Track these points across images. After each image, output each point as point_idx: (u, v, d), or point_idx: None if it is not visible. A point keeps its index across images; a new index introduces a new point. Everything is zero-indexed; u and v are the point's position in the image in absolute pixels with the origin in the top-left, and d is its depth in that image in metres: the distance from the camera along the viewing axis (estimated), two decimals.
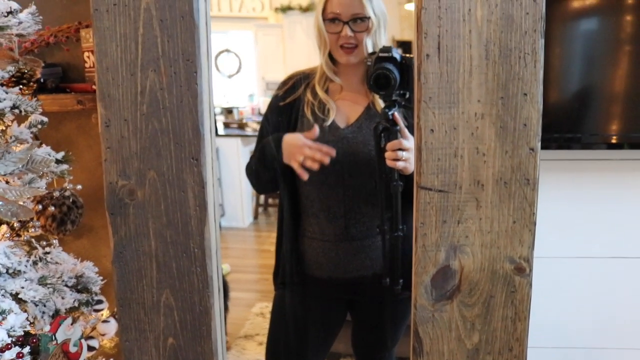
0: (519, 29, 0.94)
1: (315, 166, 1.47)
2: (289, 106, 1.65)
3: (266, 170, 1.65)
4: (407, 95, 1.49)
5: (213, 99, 1.07)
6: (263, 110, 5.86)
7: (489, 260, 1.02)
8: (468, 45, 0.95)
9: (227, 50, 6.50)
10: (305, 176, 1.49)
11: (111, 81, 1.03)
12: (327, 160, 1.47)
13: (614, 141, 1.69)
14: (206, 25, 1.03)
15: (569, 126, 1.66)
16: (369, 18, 1.53)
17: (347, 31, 1.52)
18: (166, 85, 1.02)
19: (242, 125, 5.60)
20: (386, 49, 1.47)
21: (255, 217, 5.64)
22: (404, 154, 1.44)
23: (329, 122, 1.59)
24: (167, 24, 1.01)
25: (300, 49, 5.87)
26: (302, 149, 1.49)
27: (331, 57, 1.62)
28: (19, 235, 1.43)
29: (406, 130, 1.46)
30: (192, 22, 1.00)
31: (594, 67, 1.70)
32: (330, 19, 1.53)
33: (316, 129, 1.49)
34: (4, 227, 1.39)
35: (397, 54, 1.46)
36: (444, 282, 1.03)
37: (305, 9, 5.87)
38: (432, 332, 1.05)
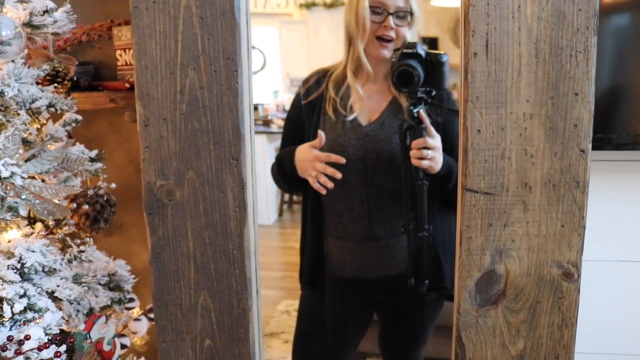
0: (571, 26, 0.91)
1: (329, 184, 1.48)
2: (311, 104, 1.64)
3: (286, 182, 1.68)
4: (433, 93, 1.47)
5: (253, 99, 1.05)
6: (287, 106, 5.86)
7: (536, 265, 0.99)
8: (517, 43, 0.92)
9: (252, 47, 6.49)
10: (322, 191, 1.50)
11: (150, 80, 1.02)
12: (339, 176, 1.47)
13: None
14: (247, 23, 1.01)
15: (600, 126, 1.61)
16: (412, 14, 1.51)
17: (390, 22, 1.50)
18: (206, 84, 1.01)
19: (267, 122, 5.59)
20: (411, 45, 1.44)
21: (280, 214, 5.64)
22: (430, 152, 1.42)
23: (350, 118, 1.57)
24: (207, 21, 0.99)
25: (325, 45, 5.85)
26: (313, 164, 1.49)
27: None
28: (52, 233, 1.44)
29: (432, 128, 1.43)
30: (233, 20, 0.98)
31: (625, 64, 1.65)
32: (374, 7, 1.51)
33: (322, 138, 1.48)
34: (39, 225, 1.39)
35: (422, 50, 1.44)
36: (489, 287, 1.00)
37: (330, 5, 5.84)
38: (476, 338, 1.02)
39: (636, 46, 1.64)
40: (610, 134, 1.63)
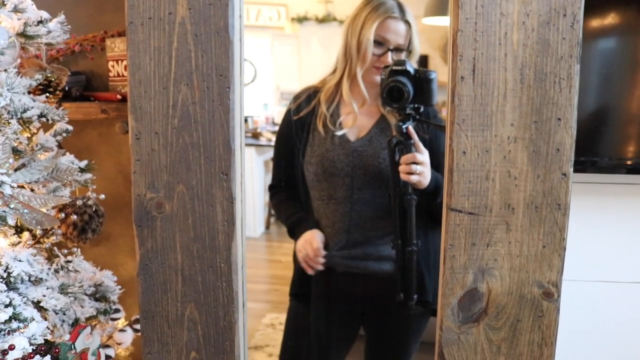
0: (555, 54, 0.94)
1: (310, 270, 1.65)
2: (301, 120, 1.68)
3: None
4: (422, 109, 1.50)
5: (244, 115, 1.07)
6: (277, 119, 5.89)
7: (517, 284, 1.01)
8: (503, 69, 0.95)
9: (244, 60, 6.50)
10: (311, 271, 1.65)
11: (143, 94, 1.03)
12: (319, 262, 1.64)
13: (630, 164, 1.67)
14: (240, 41, 1.03)
15: (585, 149, 1.64)
16: (410, 51, 1.56)
17: (389, 58, 1.55)
18: (198, 99, 1.02)
19: (256, 135, 5.60)
20: (400, 62, 1.48)
21: (267, 227, 5.63)
22: (418, 167, 1.45)
23: (339, 133, 1.61)
24: (201, 38, 1.01)
25: (316, 59, 5.89)
26: (308, 254, 1.63)
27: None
28: (39, 243, 1.44)
29: (420, 144, 1.47)
30: (227, 38, 1.00)
31: (611, 87, 1.68)
32: (376, 40, 1.55)
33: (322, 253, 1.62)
34: (27, 234, 1.39)
35: (411, 67, 1.47)
36: (471, 305, 1.02)
37: (322, 20, 5.89)
38: (458, 355, 1.04)
39: (621, 70, 1.67)
40: (594, 157, 1.66)
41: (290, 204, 1.74)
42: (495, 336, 1.03)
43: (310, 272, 1.64)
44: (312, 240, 1.61)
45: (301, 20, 5.99)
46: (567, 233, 0.99)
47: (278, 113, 6.00)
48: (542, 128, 0.96)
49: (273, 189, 1.80)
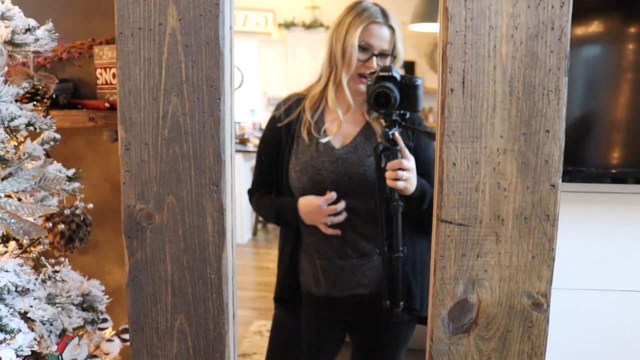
0: (543, 67, 0.95)
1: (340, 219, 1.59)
2: (286, 127, 1.68)
3: (284, 226, 1.76)
4: (408, 115, 1.51)
5: (234, 126, 1.07)
6: (264, 125, 5.87)
7: (507, 295, 1.02)
8: (492, 81, 0.96)
9: None
10: (333, 232, 1.60)
11: (133, 105, 1.03)
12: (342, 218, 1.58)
13: (615, 173, 1.68)
14: (230, 52, 1.03)
15: (571, 158, 1.65)
16: (394, 56, 1.57)
17: (373, 63, 1.55)
18: (189, 110, 1.02)
19: (243, 141, 5.59)
20: (386, 69, 1.49)
21: (254, 233, 5.62)
22: (405, 173, 1.45)
23: (324, 141, 1.61)
24: (192, 49, 1.01)
25: (303, 65, 5.89)
26: (323, 212, 1.58)
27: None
28: (26, 252, 1.42)
29: (406, 150, 1.47)
30: (218, 49, 1.00)
31: (596, 95, 1.70)
32: (361, 45, 1.55)
33: (332, 195, 1.57)
34: (13, 243, 1.38)
35: (397, 73, 1.48)
36: (462, 316, 1.02)
37: (309, 26, 5.90)
38: None
39: (606, 77, 1.69)
40: (580, 166, 1.68)
41: (271, 196, 1.73)
42: (485, 347, 1.03)
43: (338, 221, 1.59)
44: (314, 200, 1.60)
45: (288, 26, 5.99)
46: (556, 244, 0.99)
47: (265, 119, 5.97)
48: (531, 140, 0.97)
49: (252, 192, 1.80)
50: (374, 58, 1.56)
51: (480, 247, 1.00)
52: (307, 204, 1.60)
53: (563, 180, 1.64)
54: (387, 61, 1.59)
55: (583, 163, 1.67)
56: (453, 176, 0.98)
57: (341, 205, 1.56)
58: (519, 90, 0.96)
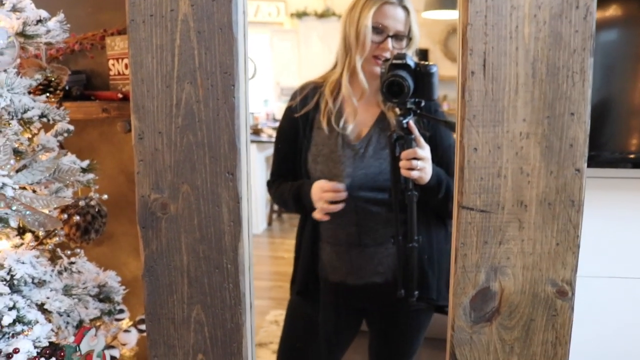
0: (568, 47, 0.92)
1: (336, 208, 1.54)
2: (303, 117, 1.65)
3: (301, 212, 1.72)
4: (422, 104, 1.48)
5: (249, 113, 1.05)
6: (278, 116, 5.87)
7: (530, 283, 0.99)
8: (514, 63, 0.93)
9: None
10: (322, 217, 1.56)
11: (146, 93, 1.01)
12: (344, 195, 1.53)
13: (633, 158, 1.64)
14: (244, 37, 1.01)
15: (589, 143, 1.61)
16: (410, 38, 1.54)
17: (389, 44, 1.52)
18: (202, 98, 1.00)
19: (257, 131, 5.58)
20: (400, 56, 1.45)
21: (270, 223, 5.62)
22: (419, 163, 1.42)
23: (342, 132, 1.59)
24: (205, 35, 0.99)
25: (316, 54, 5.87)
26: (321, 197, 1.54)
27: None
28: (42, 244, 1.42)
29: (421, 139, 1.44)
30: (231, 35, 0.98)
31: (614, 80, 1.66)
32: (375, 27, 1.52)
33: (341, 188, 1.54)
34: (29, 235, 1.38)
35: (411, 61, 1.44)
36: (483, 304, 1.00)
37: (321, 15, 5.86)
38: (470, 355, 1.02)
39: (624, 62, 1.65)
40: (599, 151, 1.64)
41: (289, 184, 1.72)
42: (508, 336, 1.01)
43: (333, 209, 1.55)
44: (324, 184, 1.57)
45: (300, 15, 5.96)
46: (581, 230, 0.97)
47: (278, 109, 5.98)
48: (555, 123, 0.94)
49: (270, 183, 1.78)
50: (389, 39, 1.53)
51: (502, 234, 0.97)
52: (319, 185, 1.58)
53: None
54: (403, 43, 1.55)
55: (602, 148, 1.64)
56: (474, 161, 0.96)
57: (342, 194, 1.54)
58: (542, 72, 0.93)
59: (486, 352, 1.02)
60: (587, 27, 0.91)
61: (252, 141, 5.33)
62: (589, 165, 1.61)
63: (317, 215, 1.55)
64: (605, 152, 1.64)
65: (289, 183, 1.70)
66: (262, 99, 6.34)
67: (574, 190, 0.95)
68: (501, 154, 0.95)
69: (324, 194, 1.53)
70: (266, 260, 4.65)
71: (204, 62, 1.00)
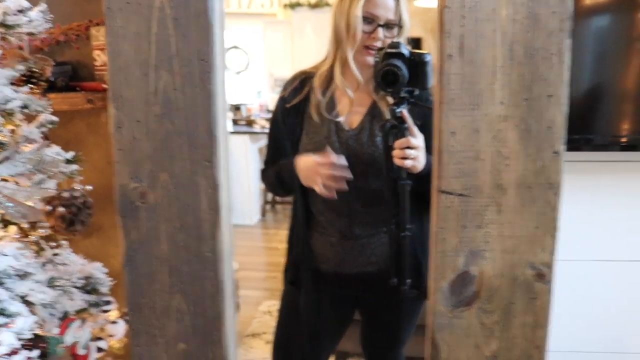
0: (545, 29, 0.91)
1: (340, 186, 1.49)
2: (295, 107, 1.65)
3: (287, 191, 1.72)
4: (416, 92, 1.47)
5: (226, 100, 1.04)
6: (271, 107, 5.86)
7: (510, 266, 0.99)
8: (492, 46, 0.92)
9: (236, 47, 6.47)
10: (333, 195, 1.51)
11: (124, 81, 1.01)
12: (349, 175, 1.49)
13: (625, 141, 1.64)
14: (221, 24, 1.00)
15: (579, 127, 1.62)
16: (401, 26, 1.53)
17: (380, 34, 1.51)
18: (180, 85, 0.99)
19: (250, 122, 5.58)
20: (394, 45, 1.44)
21: (263, 214, 5.62)
22: (413, 152, 1.42)
23: (334, 120, 1.58)
24: (181, 22, 0.98)
25: (309, 45, 5.85)
26: (317, 170, 1.50)
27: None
28: (27, 236, 1.42)
29: (415, 128, 1.43)
30: (207, 21, 0.97)
31: (605, 65, 1.66)
32: (365, 17, 1.51)
33: (332, 155, 1.49)
34: (13, 228, 1.37)
35: (405, 50, 1.43)
36: (463, 288, 1.00)
37: (314, 6, 5.84)
38: (450, 339, 1.02)
39: (615, 47, 1.65)
40: (588, 134, 1.64)
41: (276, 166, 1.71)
42: (488, 319, 1.01)
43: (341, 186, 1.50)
44: (311, 157, 1.53)
45: (293, 6, 5.94)
46: (559, 213, 0.96)
47: (272, 100, 5.97)
48: (533, 106, 0.93)
49: (264, 171, 1.78)
50: (380, 29, 1.52)
51: (481, 217, 0.97)
52: (305, 161, 1.56)
53: (570, 149, 1.62)
54: (394, 32, 1.54)
55: (591, 131, 1.64)
56: (452, 145, 0.95)
57: (341, 160, 1.50)
58: (519, 54, 0.92)
59: (466, 336, 1.02)
60: (565, 7, 0.90)
61: (245, 132, 5.32)
62: (582, 149, 1.61)
63: (322, 192, 1.51)
64: (597, 136, 1.64)
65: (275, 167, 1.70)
66: (256, 90, 6.33)
67: (552, 173, 0.95)
68: (479, 138, 0.95)
69: (320, 169, 1.50)
70: (260, 251, 4.65)
71: (180, 49, 0.99)
